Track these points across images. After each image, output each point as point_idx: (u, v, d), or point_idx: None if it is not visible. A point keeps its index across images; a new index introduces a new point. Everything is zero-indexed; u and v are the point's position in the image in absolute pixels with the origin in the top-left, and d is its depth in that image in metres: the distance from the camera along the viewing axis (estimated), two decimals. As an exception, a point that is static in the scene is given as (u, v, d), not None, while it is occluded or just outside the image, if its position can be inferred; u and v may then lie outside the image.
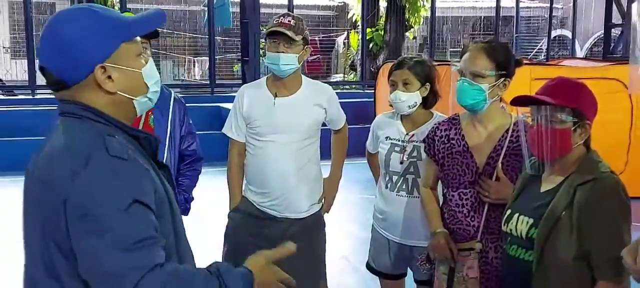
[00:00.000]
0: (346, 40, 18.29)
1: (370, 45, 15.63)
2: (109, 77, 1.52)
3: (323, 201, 3.23)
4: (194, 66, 18.27)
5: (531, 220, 2.20)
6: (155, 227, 1.46)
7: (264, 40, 3.49)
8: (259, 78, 3.42)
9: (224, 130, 3.20)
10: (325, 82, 4.33)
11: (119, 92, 1.55)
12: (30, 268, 1.56)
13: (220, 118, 9.46)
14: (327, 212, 3.29)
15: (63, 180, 1.42)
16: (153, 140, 1.63)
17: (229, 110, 3.32)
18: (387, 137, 3.05)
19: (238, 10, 11.44)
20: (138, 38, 1.60)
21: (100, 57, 1.51)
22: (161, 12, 1.66)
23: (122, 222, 1.39)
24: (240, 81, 11.79)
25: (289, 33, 2.92)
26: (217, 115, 9.58)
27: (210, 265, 1.53)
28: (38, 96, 11.38)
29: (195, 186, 3.30)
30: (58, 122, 1.58)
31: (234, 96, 3.31)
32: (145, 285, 1.38)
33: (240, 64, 11.78)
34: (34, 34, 11.12)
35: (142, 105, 1.62)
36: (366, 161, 3.37)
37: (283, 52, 2.95)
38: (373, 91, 9.43)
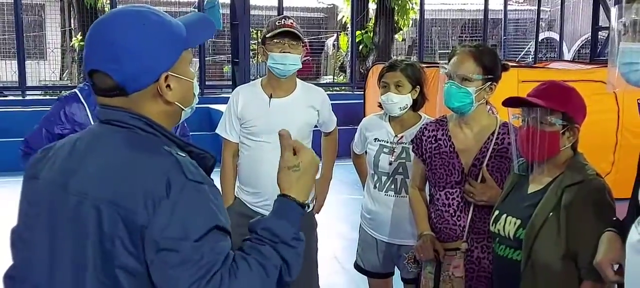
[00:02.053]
0: (336, 42, 18.32)
1: (360, 47, 15.68)
2: (168, 86, 1.44)
3: (314, 201, 3.26)
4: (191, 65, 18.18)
5: (519, 221, 2.25)
6: (231, 255, 1.37)
7: (258, 43, 3.52)
8: (249, 80, 3.45)
9: (217, 131, 3.23)
10: (314, 84, 4.37)
11: (175, 103, 1.47)
12: None
13: (210, 119, 9.46)
14: (318, 212, 3.32)
15: (138, 205, 1.29)
16: (209, 158, 1.52)
17: (219, 111, 3.34)
18: (376, 139, 3.09)
19: (228, 12, 11.44)
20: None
21: (166, 66, 1.43)
22: (209, 18, 1.60)
23: (203, 255, 1.30)
24: (230, 83, 11.78)
25: (297, 32, 2.98)
26: (207, 117, 9.58)
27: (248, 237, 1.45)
28: (28, 97, 11.34)
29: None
30: (95, 129, 1.48)
31: (224, 98, 3.34)
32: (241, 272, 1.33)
33: (230, 66, 11.77)
34: (23, 34, 11.07)
35: (186, 115, 1.55)
36: None
37: (288, 52, 2.99)
38: (362, 93, 9.47)
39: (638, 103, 7.42)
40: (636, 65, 1.74)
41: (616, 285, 2.12)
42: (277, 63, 3.00)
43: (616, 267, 2.00)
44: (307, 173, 1.54)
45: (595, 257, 2.02)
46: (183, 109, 1.51)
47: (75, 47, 15.11)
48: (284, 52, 2.99)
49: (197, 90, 1.56)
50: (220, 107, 9.47)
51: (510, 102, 2.28)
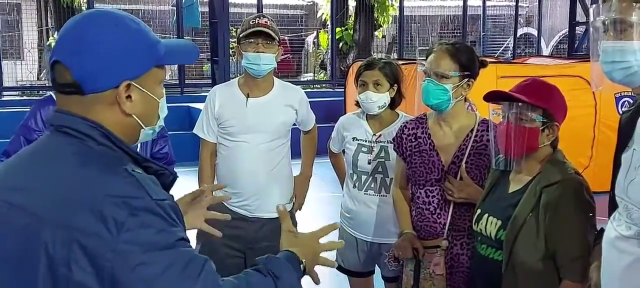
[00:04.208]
0: (316, 40, 18.31)
1: (340, 44, 15.69)
2: (129, 97, 1.36)
3: (294, 200, 3.25)
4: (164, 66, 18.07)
5: (499, 222, 2.26)
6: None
7: (235, 42, 3.50)
8: (229, 78, 3.44)
9: (195, 131, 3.20)
10: (295, 82, 4.37)
11: (134, 116, 1.38)
12: None
13: (190, 118, 9.40)
14: (299, 210, 3.31)
15: (98, 228, 1.22)
16: (168, 176, 1.44)
17: (198, 110, 3.32)
18: (354, 138, 3.08)
19: (207, 10, 11.38)
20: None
21: (131, 74, 1.35)
22: (196, 46, 1.54)
23: (176, 265, 1.27)
24: (209, 81, 11.73)
25: (270, 32, 2.96)
26: (187, 116, 9.52)
27: (254, 266, 1.49)
28: (5, 98, 11.19)
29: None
30: (46, 141, 1.39)
31: (204, 96, 3.31)
32: None
33: (209, 64, 11.71)
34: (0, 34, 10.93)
35: (146, 136, 1.46)
36: None
37: (262, 52, 2.97)
38: (343, 90, 9.48)
39: (615, 98, 7.51)
40: (620, 63, 1.74)
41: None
42: (251, 63, 2.99)
43: None
44: (306, 245, 1.64)
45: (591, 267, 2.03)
46: (142, 127, 1.42)
47: (53, 47, 14.92)
48: (257, 52, 2.97)
49: (163, 113, 1.48)
50: (200, 106, 9.40)
51: (491, 97, 2.29)
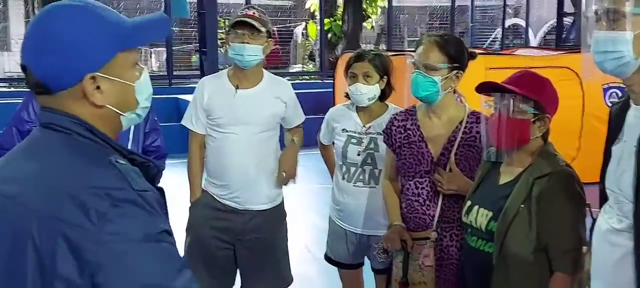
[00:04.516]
0: (304, 31, 18.30)
1: (329, 35, 15.69)
2: (98, 88, 1.33)
3: (284, 174, 3.17)
4: (151, 57, 18.00)
5: (490, 213, 2.26)
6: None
7: (224, 32, 3.47)
8: (217, 69, 3.42)
9: (183, 122, 3.19)
10: (283, 73, 4.35)
11: (107, 106, 1.35)
12: None
13: (178, 110, 9.35)
14: (285, 185, 3.18)
15: (81, 218, 1.21)
16: (152, 168, 1.42)
17: (187, 101, 3.30)
18: (343, 129, 3.08)
19: (195, 0, 11.33)
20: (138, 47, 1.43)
21: (93, 66, 1.32)
22: (166, 17, 1.48)
23: (158, 256, 1.26)
24: (198, 72, 11.67)
25: (255, 23, 2.94)
26: (175, 107, 9.48)
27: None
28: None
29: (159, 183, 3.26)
30: (36, 135, 1.38)
31: (192, 87, 3.29)
32: None
33: (198, 55, 11.66)
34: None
35: (129, 121, 1.43)
36: None
37: (248, 42, 2.95)
38: (332, 81, 9.47)
39: (603, 89, 7.55)
40: (612, 53, 1.74)
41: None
42: (236, 53, 2.98)
43: None
44: None
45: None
46: (121, 114, 1.39)
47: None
48: (243, 43, 2.96)
49: (145, 94, 1.44)
50: (189, 97, 9.35)
51: (483, 88, 2.29)
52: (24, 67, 1.35)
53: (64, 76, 1.31)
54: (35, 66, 1.33)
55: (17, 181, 1.31)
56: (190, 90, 9.89)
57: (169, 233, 1.30)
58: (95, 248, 1.20)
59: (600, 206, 2.02)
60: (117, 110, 1.38)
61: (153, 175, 1.42)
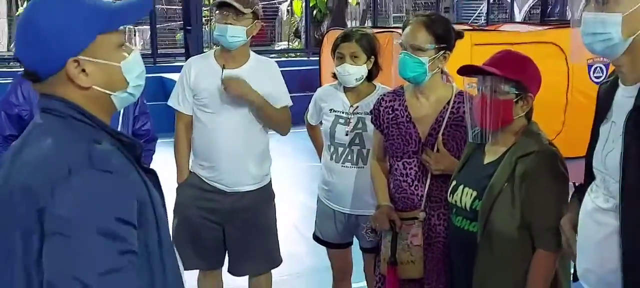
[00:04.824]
0: (289, 8, 18.15)
1: (314, 12, 15.57)
2: (83, 70, 1.40)
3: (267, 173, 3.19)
4: (135, 36, 17.83)
5: (475, 192, 2.28)
6: (133, 250, 1.35)
7: (209, 10, 3.43)
8: (203, 47, 3.39)
9: (169, 103, 3.18)
10: (269, 50, 4.31)
11: (94, 87, 1.42)
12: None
13: (164, 89, 9.28)
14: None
15: (43, 189, 1.31)
16: (138, 146, 1.50)
17: (172, 80, 3.28)
18: (331, 109, 3.08)
19: (179, -23, 11.20)
20: (121, 28, 1.48)
21: (73, 51, 1.39)
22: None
23: (97, 246, 1.29)
24: (183, 51, 11.57)
25: (238, 5, 2.92)
26: (161, 86, 9.40)
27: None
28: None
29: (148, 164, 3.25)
30: (39, 120, 1.46)
31: (177, 66, 3.27)
32: None
33: (182, 33, 11.53)
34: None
35: (122, 100, 1.50)
36: None
37: (231, 24, 2.94)
38: (318, 58, 9.42)
39: (588, 65, 7.59)
40: (601, 35, 1.74)
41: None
42: (219, 34, 2.98)
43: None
44: None
45: (561, 220, 2.07)
46: (110, 94, 1.46)
47: (22, 17, 14.58)
48: (226, 24, 2.95)
49: (135, 73, 1.50)
50: (174, 76, 9.28)
51: (465, 70, 2.30)
52: (17, 59, 1.46)
53: (48, 63, 1.40)
54: (23, 57, 1.43)
55: (16, 167, 1.40)
56: (175, 69, 9.82)
57: (129, 223, 1.33)
58: (48, 220, 1.29)
59: (585, 181, 2.04)
60: (105, 91, 1.44)
61: (138, 155, 1.49)
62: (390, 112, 2.71)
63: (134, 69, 1.50)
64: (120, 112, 2.92)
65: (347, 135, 3.01)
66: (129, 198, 1.37)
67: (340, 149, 3.04)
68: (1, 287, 1.38)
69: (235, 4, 2.92)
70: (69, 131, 1.40)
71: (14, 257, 1.34)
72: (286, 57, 14.08)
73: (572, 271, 2.19)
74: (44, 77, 1.42)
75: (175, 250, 1.59)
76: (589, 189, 1.96)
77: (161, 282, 1.46)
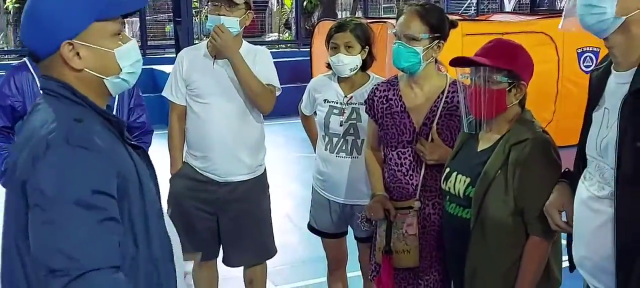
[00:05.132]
0: (280, -2, 18.11)
1: (304, 3, 15.53)
2: (78, 53, 1.51)
3: (262, 164, 3.20)
4: (124, 27, 17.72)
5: (468, 179, 2.29)
6: (114, 217, 1.42)
7: (198, 2, 3.41)
8: (193, 39, 3.37)
9: (163, 93, 3.19)
10: (259, 42, 4.28)
11: (86, 69, 1.52)
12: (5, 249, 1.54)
13: (154, 80, 9.26)
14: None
15: (26, 163, 1.42)
16: (121, 124, 1.60)
17: (161, 72, 3.27)
18: (325, 100, 3.08)
19: (168, -32, 11.12)
20: (118, 17, 1.57)
21: (68, 34, 1.50)
22: None
23: (75, 217, 1.36)
24: (172, 42, 11.52)
25: None
26: (151, 78, 9.37)
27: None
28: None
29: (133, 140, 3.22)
30: (39, 100, 1.58)
31: (167, 58, 3.27)
32: (95, 284, 1.34)
33: (172, 25, 11.48)
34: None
35: (116, 85, 1.59)
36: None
37: (224, 15, 2.93)
38: (309, 49, 9.42)
39: (577, 53, 7.64)
40: (595, 8, 1.75)
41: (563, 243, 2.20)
42: (213, 25, 2.96)
43: (564, 215, 2.06)
44: None
45: (546, 204, 2.08)
46: (103, 78, 1.55)
47: (10, 9, 14.51)
48: (219, 15, 2.94)
49: (129, 61, 1.58)
50: (164, 68, 9.27)
51: (456, 62, 2.30)
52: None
53: (45, 44, 1.51)
54: (25, 38, 1.55)
55: (16, 146, 1.54)
56: (165, 61, 9.74)
57: (108, 194, 1.41)
58: (30, 192, 1.40)
59: (575, 167, 2.05)
60: (98, 74, 1.54)
61: (121, 129, 1.59)
62: (385, 102, 2.72)
63: (128, 57, 1.58)
64: (114, 103, 2.92)
65: (341, 125, 3.02)
66: (107, 171, 1.44)
67: (335, 139, 3.05)
68: (8, 259, 1.50)
69: None
70: (59, 110, 1.50)
71: (15, 217, 1.46)
72: (277, 48, 14.06)
73: (564, 260, 2.22)
74: (42, 57, 1.53)
75: (174, 229, 1.69)
76: (582, 177, 1.97)
77: (146, 254, 1.53)
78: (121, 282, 1.39)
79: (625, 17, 1.73)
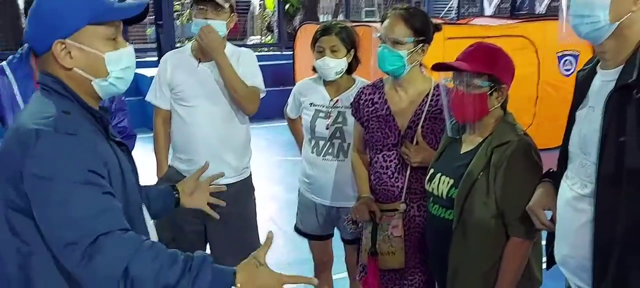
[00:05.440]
0: (262, 2, 18.09)
1: (286, 6, 15.54)
2: (69, 53, 1.59)
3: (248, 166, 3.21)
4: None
5: (451, 181, 2.32)
6: (111, 191, 1.52)
7: (180, 4, 3.41)
8: (175, 42, 3.36)
9: (147, 98, 3.17)
10: (241, 45, 4.27)
11: (75, 69, 1.60)
12: None
13: (136, 84, 9.14)
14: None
15: (18, 153, 1.49)
16: (104, 118, 1.68)
17: (143, 75, 3.27)
18: (311, 103, 3.10)
19: (149, -29, 11.05)
20: (115, 22, 1.63)
21: (61, 34, 1.58)
22: (143, 3, 1.67)
23: (79, 193, 1.46)
24: (154, 45, 11.45)
25: (219, 0, 2.91)
26: (132, 81, 9.27)
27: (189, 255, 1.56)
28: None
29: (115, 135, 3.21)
30: (36, 93, 1.67)
31: (149, 61, 3.26)
32: (107, 245, 1.43)
33: (154, 28, 11.41)
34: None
35: (104, 88, 1.65)
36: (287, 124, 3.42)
37: (211, 18, 2.93)
38: (291, 53, 9.43)
39: (557, 57, 7.73)
40: (588, 17, 1.78)
41: (544, 245, 2.24)
42: (198, 28, 2.95)
43: (548, 215, 2.10)
44: (260, 280, 1.59)
45: (529, 203, 2.12)
46: (91, 79, 1.62)
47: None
48: (205, 18, 2.94)
49: (119, 66, 1.64)
50: (145, 71, 9.20)
51: (438, 68, 2.34)
52: None
53: (40, 41, 1.60)
54: (27, 35, 1.65)
55: (7, 133, 1.60)
56: (147, 64, 9.71)
57: (98, 174, 1.50)
58: (25, 179, 1.47)
59: (559, 167, 2.09)
60: (86, 75, 1.61)
61: (105, 125, 1.67)
62: (370, 105, 2.74)
63: (118, 62, 1.64)
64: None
65: (327, 128, 3.04)
66: (95, 154, 1.53)
67: (321, 143, 3.07)
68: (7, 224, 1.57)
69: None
70: (49, 103, 1.57)
71: (5, 202, 1.54)
72: (259, 52, 14.04)
73: (544, 258, 2.26)
74: (39, 54, 1.63)
75: (152, 223, 1.81)
76: (564, 176, 2.00)
77: None
78: (132, 238, 1.49)
79: (618, 22, 1.77)
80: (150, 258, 1.46)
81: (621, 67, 1.80)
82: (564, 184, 1.99)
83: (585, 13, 1.79)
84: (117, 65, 1.63)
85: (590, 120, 1.87)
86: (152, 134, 3.21)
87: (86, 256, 1.42)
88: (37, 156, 1.47)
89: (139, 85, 8.98)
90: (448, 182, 2.34)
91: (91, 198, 1.47)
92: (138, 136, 3.19)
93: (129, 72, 1.68)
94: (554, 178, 2.10)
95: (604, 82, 1.86)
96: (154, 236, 1.81)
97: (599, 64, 1.91)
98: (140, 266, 1.45)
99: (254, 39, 17.31)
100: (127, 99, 3.15)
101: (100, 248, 1.43)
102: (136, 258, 1.45)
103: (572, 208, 1.93)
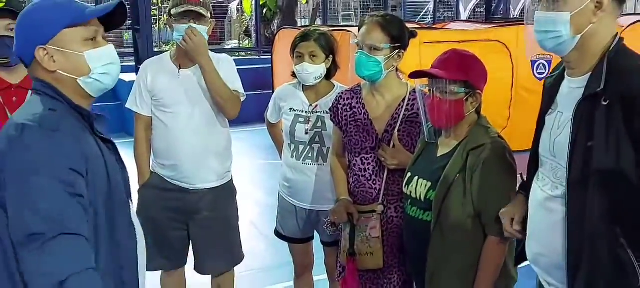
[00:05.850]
0: (240, 6, 18.07)
1: (264, 10, 15.56)
2: (52, 57, 1.70)
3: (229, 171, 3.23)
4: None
5: (429, 183, 2.38)
6: (82, 194, 1.60)
7: (160, 11, 3.40)
8: (152, 47, 3.36)
9: (128, 105, 3.16)
10: (219, 49, 4.26)
11: (59, 71, 1.72)
12: None
13: (113, 89, 9.12)
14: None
15: (3, 145, 1.60)
16: (92, 117, 1.77)
17: (121, 80, 3.25)
18: (291, 108, 3.13)
19: (126, -25, 10.96)
20: (91, 25, 1.74)
21: (41, 40, 1.70)
22: (116, 3, 1.76)
23: (51, 189, 1.54)
24: (131, 50, 11.39)
25: (201, 11, 2.93)
26: (110, 87, 9.24)
27: None
28: None
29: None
30: (29, 97, 1.77)
31: (126, 66, 3.25)
32: (63, 246, 1.52)
33: (130, 33, 11.34)
34: None
35: (90, 85, 1.75)
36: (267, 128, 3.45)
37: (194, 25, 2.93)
38: (270, 57, 9.45)
39: (531, 61, 7.85)
40: (551, 33, 1.86)
41: (516, 242, 2.31)
42: (181, 36, 2.93)
43: (516, 224, 2.16)
44: None
45: (501, 211, 2.19)
46: (75, 78, 1.73)
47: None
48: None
49: (100, 63, 1.74)
50: (123, 76, 9.12)
51: (415, 75, 2.40)
52: None
53: (25, 50, 1.72)
54: (15, 51, 1.76)
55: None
56: (125, 69, 9.60)
57: (77, 172, 1.59)
58: (7, 169, 1.56)
59: (529, 170, 2.16)
60: (70, 75, 1.72)
61: (90, 122, 1.76)
62: (349, 110, 2.80)
63: (99, 59, 1.75)
64: None
65: (307, 133, 3.07)
66: (76, 151, 1.63)
67: (301, 147, 3.10)
68: None
69: (199, 10, 2.93)
70: (37, 103, 1.68)
71: None
72: (237, 56, 14.02)
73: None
74: (28, 63, 1.74)
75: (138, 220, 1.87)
76: (536, 178, 2.07)
77: (106, 242, 1.69)
78: (88, 248, 1.58)
79: (580, 34, 1.84)
80: (90, 285, 1.55)
81: (588, 75, 1.87)
82: (536, 186, 2.06)
83: (549, 29, 1.87)
84: (98, 62, 1.74)
85: (557, 125, 1.94)
86: (130, 139, 3.20)
87: (43, 246, 1.50)
88: (20, 149, 1.57)
89: (116, 90, 8.94)
90: (426, 185, 2.40)
91: (62, 196, 1.55)
92: (116, 142, 3.19)
93: (112, 68, 1.79)
94: (527, 190, 2.15)
95: (571, 88, 1.93)
96: (139, 233, 1.88)
97: (566, 71, 1.99)
98: (78, 286, 1.52)
99: (231, 44, 17.28)
100: (104, 104, 3.14)
101: (58, 245, 1.51)
102: (79, 278, 1.52)
103: (543, 208, 1.99)
